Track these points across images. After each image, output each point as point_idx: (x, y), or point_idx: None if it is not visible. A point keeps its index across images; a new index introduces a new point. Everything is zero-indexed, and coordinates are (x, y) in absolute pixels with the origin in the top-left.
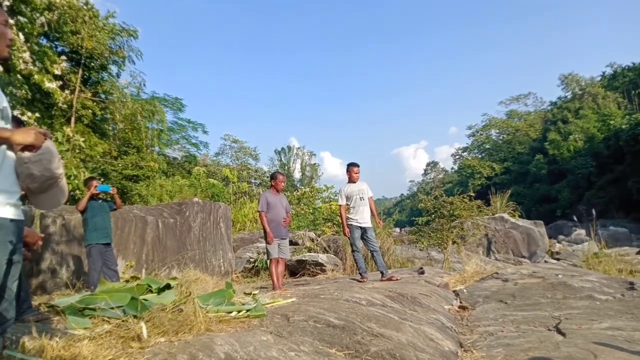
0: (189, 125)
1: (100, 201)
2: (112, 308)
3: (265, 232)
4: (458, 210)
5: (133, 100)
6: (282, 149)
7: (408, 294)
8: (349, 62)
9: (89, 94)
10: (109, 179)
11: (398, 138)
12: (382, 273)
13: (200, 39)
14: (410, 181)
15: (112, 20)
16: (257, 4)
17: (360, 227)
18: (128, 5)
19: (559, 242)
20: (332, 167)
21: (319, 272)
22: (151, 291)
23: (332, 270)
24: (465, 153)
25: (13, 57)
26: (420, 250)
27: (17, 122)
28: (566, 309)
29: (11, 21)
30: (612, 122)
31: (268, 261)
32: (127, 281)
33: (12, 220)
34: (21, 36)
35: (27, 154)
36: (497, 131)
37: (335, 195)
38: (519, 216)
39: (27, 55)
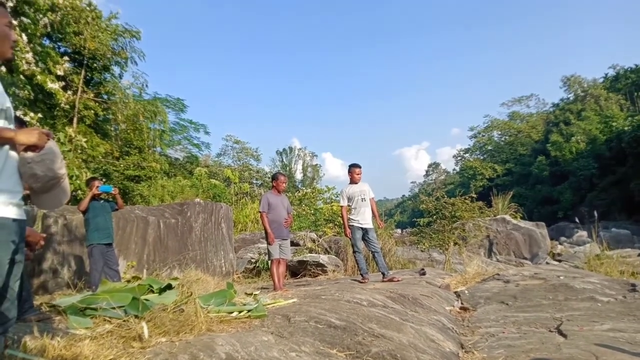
0: (190, 125)
1: (102, 201)
2: (114, 308)
3: (266, 232)
4: (460, 212)
5: (135, 101)
6: (284, 149)
7: (409, 295)
8: (350, 62)
9: (92, 95)
10: (110, 179)
11: (400, 139)
12: (383, 274)
13: (201, 40)
14: (412, 182)
15: (114, 21)
16: (258, 4)
17: (362, 228)
18: (129, 6)
19: (560, 243)
20: (333, 168)
21: (320, 272)
22: (152, 291)
23: (333, 271)
24: (467, 154)
25: (16, 57)
26: (422, 251)
27: (20, 123)
28: (568, 310)
29: (14, 22)
30: (614, 123)
31: (269, 262)
32: (128, 281)
33: (14, 220)
34: (24, 37)
35: (30, 154)
36: (499, 132)
37: (337, 196)
38: (521, 218)
39: (30, 56)
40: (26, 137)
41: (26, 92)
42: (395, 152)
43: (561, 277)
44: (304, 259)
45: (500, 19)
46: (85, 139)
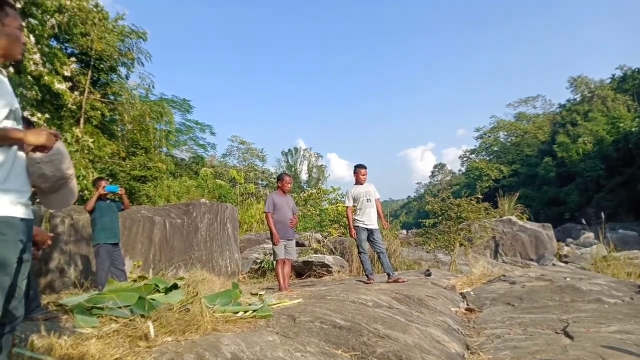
0: (196, 126)
1: (108, 201)
2: (120, 307)
3: (271, 233)
4: (465, 213)
5: (142, 102)
6: (289, 150)
7: (415, 295)
8: (356, 63)
9: (98, 95)
10: (117, 179)
11: (405, 140)
12: (388, 275)
13: (206, 40)
14: (417, 183)
15: (121, 22)
16: (263, 4)
17: (367, 228)
18: (134, 7)
19: (567, 245)
20: (339, 169)
21: (325, 273)
22: (158, 291)
23: (339, 271)
24: (473, 155)
25: (24, 58)
26: (427, 252)
27: (27, 123)
28: (574, 312)
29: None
30: (621, 124)
31: (274, 262)
32: (134, 281)
33: (22, 219)
34: (32, 38)
35: (38, 154)
36: (505, 133)
37: (342, 197)
38: (527, 219)
39: (37, 56)
40: (35, 137)
41: (34, 92)
42: (400, 153)
43: (568, 279)
44: (309, 260)
45: (506, 19)
46: (92, 140)
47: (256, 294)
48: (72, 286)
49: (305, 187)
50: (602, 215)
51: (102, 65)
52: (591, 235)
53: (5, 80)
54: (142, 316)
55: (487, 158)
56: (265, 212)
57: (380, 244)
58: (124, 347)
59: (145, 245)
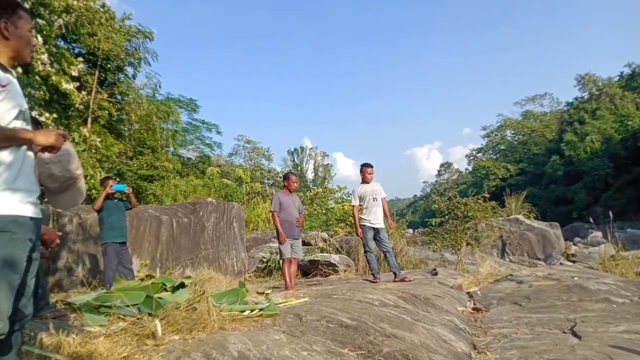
0: (203, 125)
1: (115, 200)
2: (128, 306)
3: (277, 232)
4: (472, 212)
5: (148, 102)
6: (295, 149)
7: (421, 295)
8: (362, 62)
9: (105, 95)
10: (124, 178)
11: (411, 139)
12: (394, 274)
13: (213, 39)
14: (424, 182)
15: (128, 22)
16: (268, 3)
17: (373, 227)
18: (139, 6)
19: (574, 244)
20: (345, 168)
21: (332, 272)
22: (166, 290)
23: (345, 270)
24: (479, 154)
25: (32, 59)
26: (434, 251)
27: (35, 123)
28: (582, 311)
29: None
30: (630, 122)
31: (280, 261)
32: (142, 279)
33: (31, 218)
34: (40, 38)
35: (47, 155)
36: (513, 132)
37: (348, 196)
38: (534, 218)
39: (45, 57)
40: (44, 138)
41: (41, 92)
42: (407, 152)
43: (575, 278)
44: (316, 259)
45: (513, 17)
46: (99, 139)
47: (262, 293)
48: (80, 285)
49: (311, 186)
50: (610, 214)
51: (109, 65)
52: (599, 234)
53: (15, 81)
54: (150, 315)
55: (494, 157)
56: (271, 211)
57: (387, 243)
58: (132, 346)
59: (153, 244)
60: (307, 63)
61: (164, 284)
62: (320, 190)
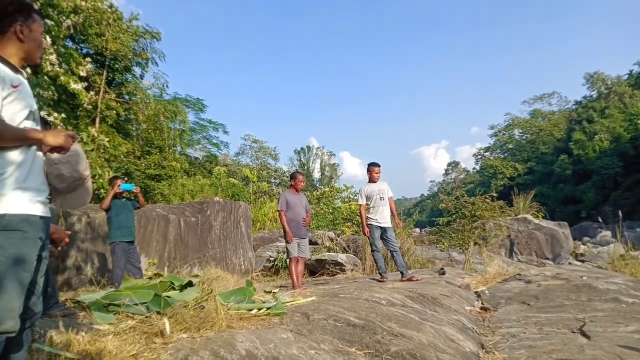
0: (210, 125)
1: (124, 200)
2: (136, 304)
3: (284, 231)
4: (480, 211)
5: (156, 101)
6: (302, 148)
7: (428, 294)
8: (369, 60)
9: (113, 95)
10: (132, 178)
11: (418, 138)
12: (402, 273)
13: (220, 39)
14: (431, 181)
15: (135, 22)
16: (275, 4)
17: (380, 227)
18: (146, 6)
19: (583, 243)
20: (351, 167)
21: (339, 271)
22: (174, 288)
23: (352, 270)
24: (487, 153)
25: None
26: (441, 251)
27: (43, 123)
28: (591, 311)
29: None
30: (639, 121)
31: (288, 260)
32: (150, 278)
33: (41, 217)
34: (48, 39)
35: (56, 155)
36: (521, 131)
37: (355, 195)
38: (543, 217)
39: (53, 57)
40: (54, 138)
41: (50, 92)
42: (414, 151)
43: (584, 278)
44: (323, 258)
45: (521, 17)
46: (107, 139)
47: (270, 292)
48: (89, 283)
49: (317, 185)
50: (619, 213)
51: (117, 65)
52: (608, 233)
53: (26, 81)
54: (158, 313)
55: (502, 156)
56: (278, 211)
57: (394, 242)
58: (140, 344)
59: (161, 243)
60: (313, 63)
61: (172, 283)
62: (327, 189)
